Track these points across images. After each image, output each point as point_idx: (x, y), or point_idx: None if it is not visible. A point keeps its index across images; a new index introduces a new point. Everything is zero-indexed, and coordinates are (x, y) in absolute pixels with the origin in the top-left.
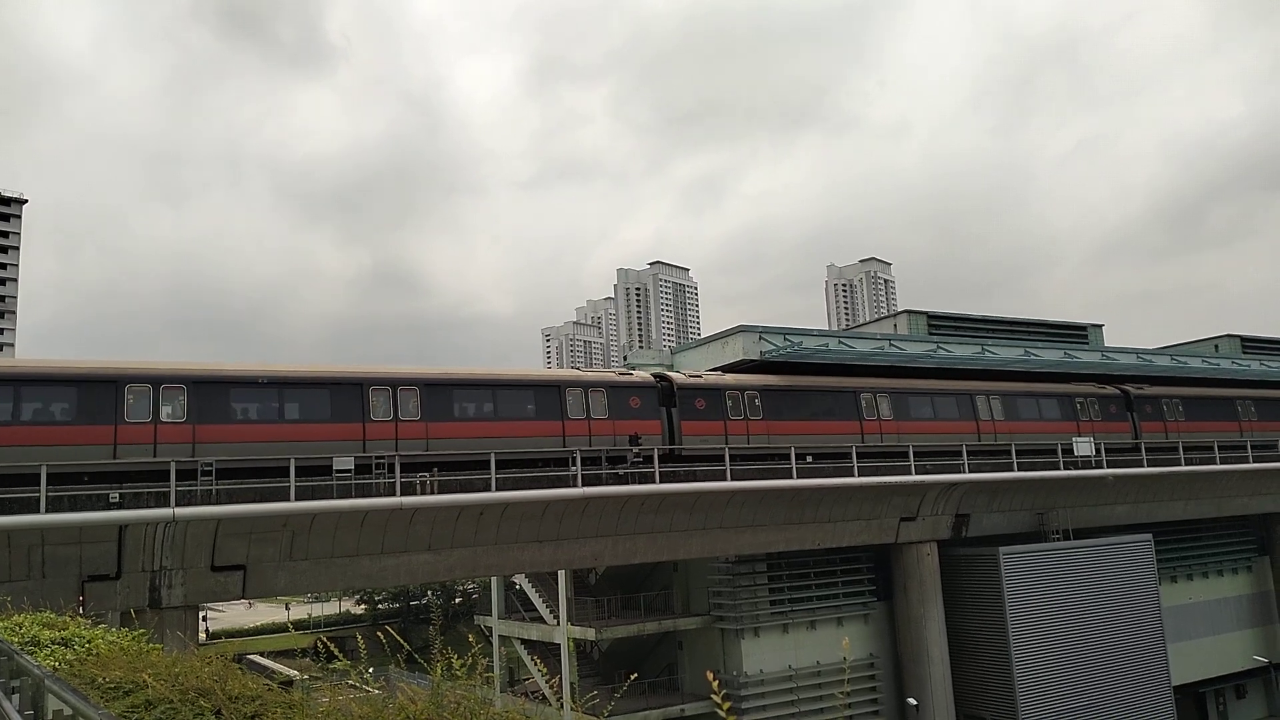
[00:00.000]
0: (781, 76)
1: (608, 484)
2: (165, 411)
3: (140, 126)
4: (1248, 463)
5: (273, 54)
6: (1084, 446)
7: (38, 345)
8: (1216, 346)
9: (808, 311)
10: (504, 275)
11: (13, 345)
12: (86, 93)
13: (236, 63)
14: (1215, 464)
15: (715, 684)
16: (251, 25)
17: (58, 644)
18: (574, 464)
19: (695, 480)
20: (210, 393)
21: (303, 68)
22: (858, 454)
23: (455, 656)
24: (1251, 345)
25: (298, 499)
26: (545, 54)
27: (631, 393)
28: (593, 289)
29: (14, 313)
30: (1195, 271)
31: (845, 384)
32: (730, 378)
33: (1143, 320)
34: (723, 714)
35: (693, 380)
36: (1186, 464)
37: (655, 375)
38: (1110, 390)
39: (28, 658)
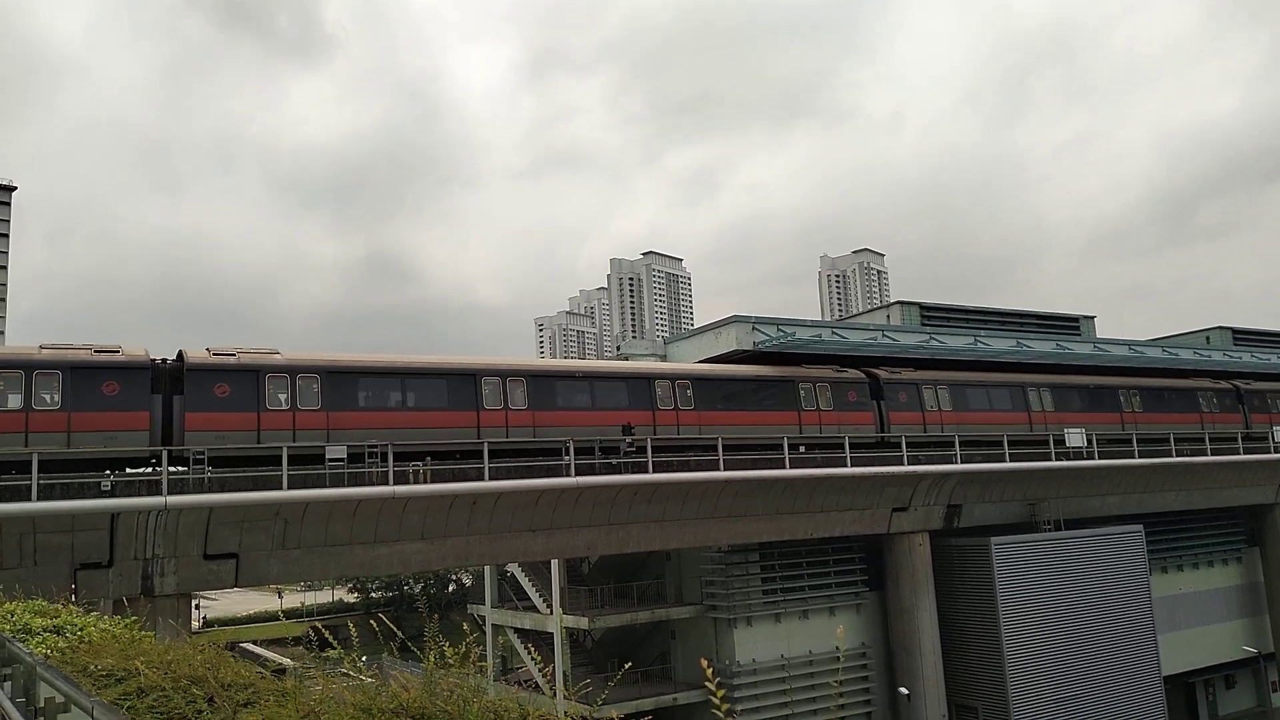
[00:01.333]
0: (776, 69)
1: (601, 473)
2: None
3: (133, 115)
4: (1238, 454)
5: (269, 43)
6: (1075, 438)
7: (28, 334)
8: (1208, 338)
9: (801, 303)
10: (498, 265)
11: (2, 333)
12: (80, 80)
13: (232, 51)
14: (1206, 455)
15: (709, 672)
16: (248, 14)
17: (50, 632)
18: (567, 453)
19: (688, 470)
20: None
21: (299, 57)
22: (850, 444)
23: (448, 645)
24: (1243, 337)
25: (290, 488)
26: (541, 45)
27: (106, 376)
28: (586, 279)
29: (3, 300)
30: (1188, 265)
31: (461, 364)
32: (281, 356)
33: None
34: (716, 702)
35: (216, 360)
36: (1177, 455)
37: (180, 355)
38: (852, 375)
39: (20, 645)
